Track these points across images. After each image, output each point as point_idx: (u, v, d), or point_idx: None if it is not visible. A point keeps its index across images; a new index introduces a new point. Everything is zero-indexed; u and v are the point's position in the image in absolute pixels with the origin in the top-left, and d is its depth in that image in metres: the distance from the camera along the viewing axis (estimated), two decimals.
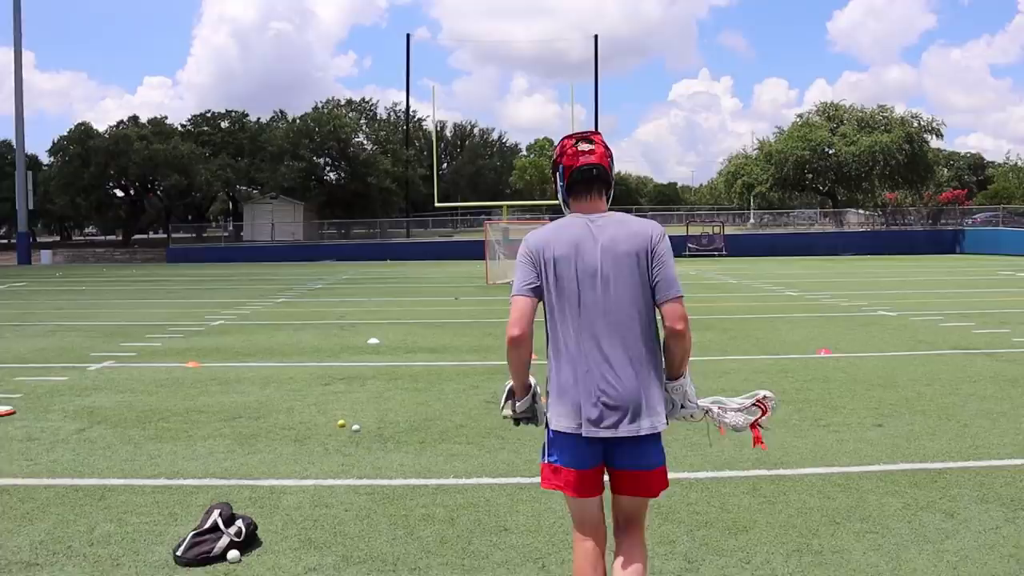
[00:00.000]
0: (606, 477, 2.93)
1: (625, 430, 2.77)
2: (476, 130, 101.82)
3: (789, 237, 48.22)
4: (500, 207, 47.53)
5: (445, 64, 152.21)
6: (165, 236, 56.02)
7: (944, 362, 9.60)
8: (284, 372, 9.31)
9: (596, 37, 60.24)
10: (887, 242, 45.82)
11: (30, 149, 55.15)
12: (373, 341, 11.64)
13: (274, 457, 5.80)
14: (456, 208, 62.97)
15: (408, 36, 60.32)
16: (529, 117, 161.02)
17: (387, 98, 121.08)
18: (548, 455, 2.91)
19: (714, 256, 42.95)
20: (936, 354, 10.20)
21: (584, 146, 2.93)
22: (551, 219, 31.23)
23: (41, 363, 10.25)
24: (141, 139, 51.04)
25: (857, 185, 55.32)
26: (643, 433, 2.79)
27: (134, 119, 56.81)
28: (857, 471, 5.40)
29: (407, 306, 17.45)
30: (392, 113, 69.72)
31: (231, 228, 56.51)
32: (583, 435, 2.78)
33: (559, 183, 3.01)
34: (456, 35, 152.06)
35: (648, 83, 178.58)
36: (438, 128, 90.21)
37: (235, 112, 62.92)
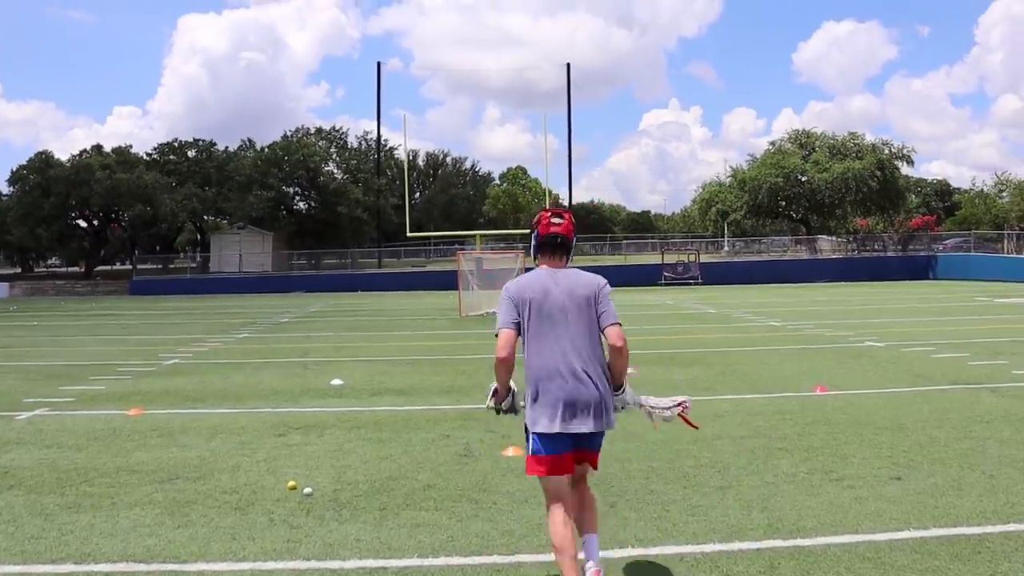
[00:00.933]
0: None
1: (589, 427, 3.80)
2: (449, 159, 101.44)
3: (764, 264, 47.96)
4: (473, 236, 46.79)
5: (418, 94, 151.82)
6: (130, 268, 54.64)
7: (949, 399, 8.94)
8: (236, 420, 8.44)
9: (568, 66, 60.14)
10: (861, 268, 45.66)
11: (6, 183, 53.86)
12: (336, 382, 10.80)
13: (208, 531, 4.96)
14: (429, 238, 62.22)
15: (379, 64, 59.90)
16: (502, 147, 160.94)
17: (360, 128, 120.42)
18: (532, 450, 3.90)
19: (690, 284, 42.48)
20: (938, 390, 9.54)
21: (555, 220, 4.06)
22: (522, 249, 30.65)
23: None
24: (104, 168, 49.79)
25: (830, 212, 55.33)
26: (601, 430, 3.89)
27: (98, 148, 55.48)
28: (885, 539, 4.66)
29: (375, 341, 16.61)
30: (363, 142, 69.03)
31: (199, 259, 55.24)
32: (560, 432, 3.77)
33: (533, 242, 4.11)
34: (428, 65, 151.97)
35: (619, 113, 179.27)
36: (410, 157, 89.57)
37: (202, 141, 61.81)
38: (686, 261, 45.76)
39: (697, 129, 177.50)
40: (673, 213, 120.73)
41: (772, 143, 59.06)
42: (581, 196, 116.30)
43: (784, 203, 54.81)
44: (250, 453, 6.98)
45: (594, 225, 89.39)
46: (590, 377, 3.81)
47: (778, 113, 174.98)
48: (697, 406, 8.80)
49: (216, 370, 12.41)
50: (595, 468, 4.09)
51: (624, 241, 65.51)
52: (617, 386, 4.00)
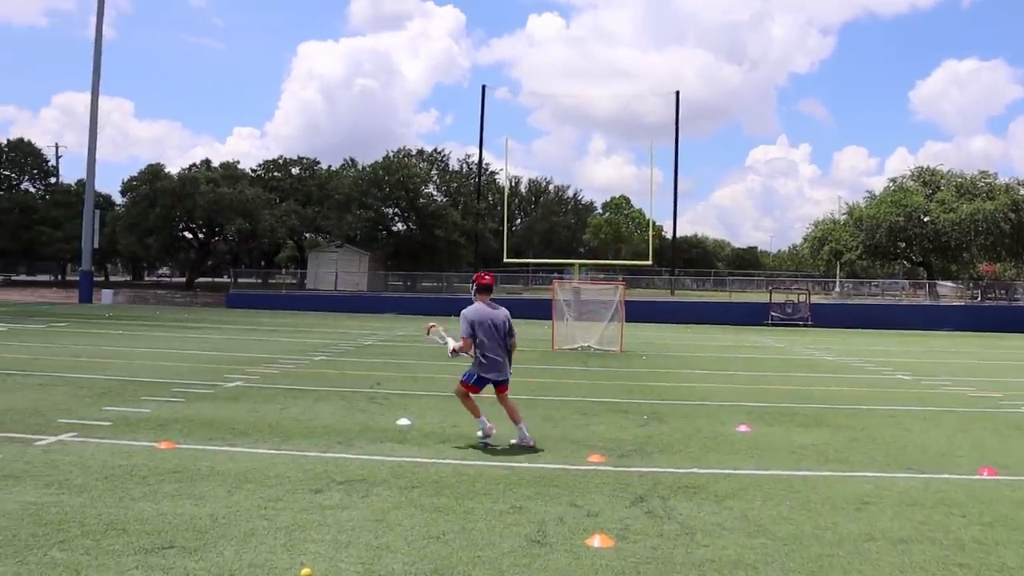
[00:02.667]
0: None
1: (502, 378, 8.35)
2: (551, 186, 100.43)
3: (879, 308, 44.75)
4: (572, 265, 45.36)
5: (524, 123, 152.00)
6: (230, 281, 55.22)
7: None
8: (273, 465, 7.12)
9: (677, 94, 58.31)
10: (987, 318, 41.92)
11: (119, 193, 55.60)
12: (402, 422, 9.43)
13: None
14: (527, 264, 61.02)
15: (483, 87, 59.31)
16: (606, 177, 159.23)
17: (463, 154, 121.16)
18: (473, 383, 8.36)
19: (799, 326, 39.82)
20: None
21: (487, 277, 8.65)
22: (623, 280, 29.04)
23: None
24: (209, 182, 50.50)
25: (955, 255, 51.46)
26: (504, 378, 8.39)
27: (206, 162, 56.64)
28: None
29: (456, 372, 15.16)
30: (465, 165, 68.48)
31: (296, 276, 55.41)
32: (490, 379, 8.27)
33: (473, 289, 8.54)
34: (536, 96, 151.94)
35: (725, 147, 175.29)
36: (512, 183, 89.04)
37: (306, 159, 62.46)
38: (795, 301, 43.06)
39: (806, 167, 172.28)
40: (779, 251, 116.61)
41: (893, 180, 55.48)
42: (684, 229, 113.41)
43: (904, 244, 51.27)
44: (273, 515, 5.61)
45: (697, 259, 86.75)
46: (504, 358, 8.35)
47: (892, 152, 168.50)
48: (831, 485, 7.10)
49: (276, 397, 11.22)
50: (503, 393, 8.48)
51: (729, 277, 62.82)
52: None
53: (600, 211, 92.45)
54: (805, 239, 58.26)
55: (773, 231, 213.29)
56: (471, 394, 8.34)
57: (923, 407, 12.15)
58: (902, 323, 40.33)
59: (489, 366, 8.20)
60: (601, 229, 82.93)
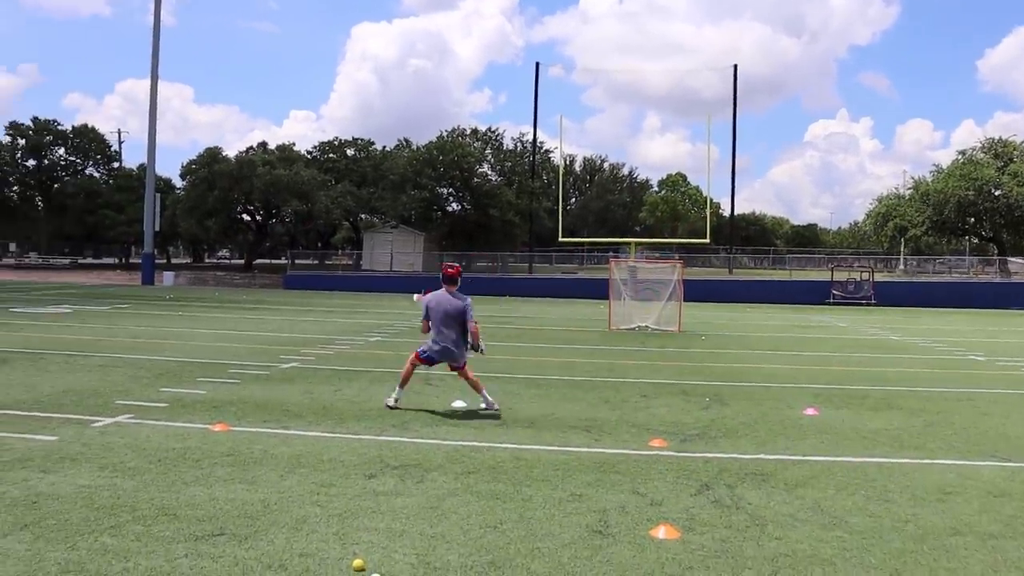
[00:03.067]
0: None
1: (452, 363, 9.00)
2: (606, 165, 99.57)
3: (945, 286, 43.26)
4: (628, 244, 44.78)
5: (578, 101, 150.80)
6: (287, 262, 55.83)
7: None
8: (327, 449, 7.00)
9: (735, 67, 56.91)
10: None
11: (179, 177, 56.74)
12: (457, 404, 9.24)
13: None
14: (582, 244, 60.60)
15: (537, 64, 58.74)
16: (661, 155, 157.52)
17: (518, 133, 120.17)
18: (423, 357, 8.98)
19: (861, 304, 38.72)
20: None
21: (450, 268, 9.16)
22: (680, 259, 28.49)
23: (49, 411, 8.36)
24: (265, 164, 50.99)
25: None
26: (454, 359, 8.93)
27: (263, 145, 57.23)
28: None
29: (512, 353, 15.02)
30: (519, 144, 68.10)
31: (352, 257, 55.81)
32: (437, 360, 9.01)
33: (442, 275, 9.07)
34: (589, 73, 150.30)
35: (783, 123, 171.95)
36: (567, 162, 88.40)
37: (361, 140, 62.71)
38: (858, 279, 41.86)
39: (867, 141, 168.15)
40: (840, 227, 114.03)
41: (962, 152, 53.53)
42: (741, 207, 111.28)
43: (973, 219, 49.56)
44: (325, 501, 5.47)
45: (755, 237, 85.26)
46: (453, 346, 8.84)
47: (958, 125, 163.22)
48: (908, 472, 6.71)
49: (331, 379, 11.15)
50: (461, 371, 9.00)
51: (788, 255, 61.56)
52: (475, 346, 8.95)
53: (656, 189, 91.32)
54: (868, 215, 56.81)
55: (833, 208, 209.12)
56: (415, 364, 9.07)
57: (1000, 389, 11.58)
58: (970, 301, 38.93)
59: (438, 350, 8.87)
60: (657, 207, 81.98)
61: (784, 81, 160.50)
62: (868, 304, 38.93)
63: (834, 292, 39.99)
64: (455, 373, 9.21)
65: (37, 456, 6.52)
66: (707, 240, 32.39)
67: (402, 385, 9.08)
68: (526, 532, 4.94)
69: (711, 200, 42.17)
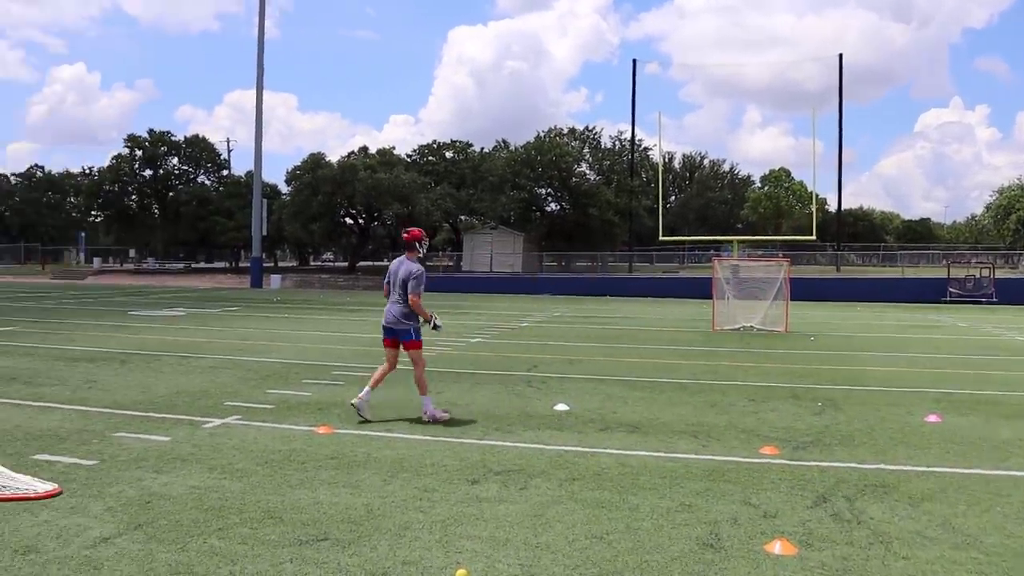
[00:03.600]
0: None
1: (386, 326, 8.60)
2: (706, 161, 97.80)
3: None
4: (730, 242, 43.77)
5: (676, 98, 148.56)
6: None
7: None
8: (429, 452, 6.96)
9: (840, 56, 54.89)
10: None
11: (284, 182, 58.68)
12: (561, 408, 9.10)
13: None
14: (682, 242, 59.59)
15: (634, 61, 58.27)
16: (762, 150, 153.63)
17: (615, 132, 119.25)
18: (418, 335, 8.57)
19: (981, 303, 36.77)
20: None
21: (405, 233, 8.66)
22: (783, 256, 27.60)
23: (163, 411, 8.61)
24: (367, 168, 52.01)
25: None
26: (395, 331, 8.53)
27: (364, 150, 58.42)
28: None
29: (614, 355, 14.79)
30: (617, 142, 67.52)
31: (452, 258, 56.39)
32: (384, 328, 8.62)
33: (419, 245, 8.59)
34: (687, 69, 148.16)
35: (891, 114, 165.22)
36: (666, 159, 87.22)
37: (459, 142, 63.28)
38: (977, 276, 39.80)
39: (983, 130, 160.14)
40: (955, 222, 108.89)
41: None
42: (848, 202, 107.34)
43: None
44: (428, 507, 5.40)
45: (863, 233, 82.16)
46: (395, 310, 8.50)
47: None
48: None
49: (433, 380, 11.07)
50: (408, 350, 8.57)
51: (899, 251, 59.07)
52: (425, 319, 8.54)
53: (758, 185, 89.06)
54: (987, 208, 54.00)
55: (946, 201, 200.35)
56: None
57: None
58: None
59: (385, 321, 8.60)
60: (760, 203, 79.91)
61: (892, 69, 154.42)
62: (989, 302, 36.94)
63: (951, 290, 38.13)
64: (557, 376, 9.05)
65: (151, 456, 6.69)
66: (813, 237, 31.32)
67: (372, 385, 8.45)
68: (633, 544, 4.76)
69: (816, 195, 40.79)
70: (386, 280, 8.61)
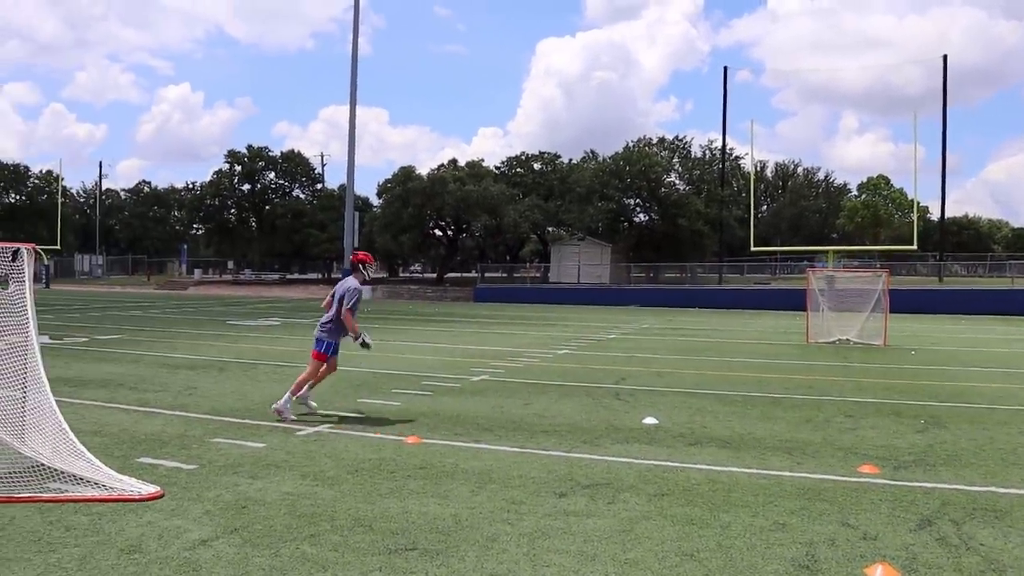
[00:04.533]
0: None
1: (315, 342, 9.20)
2: (800, 169, 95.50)
3: None
4: (825, 252, 42.57)
5: (768, 105, 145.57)
6: (477, 275, 57.33)
7: None
8: (516, 464, 6.94)
9: (945, 58, 52.93)
10: None
11: (375, 195, 60.07)
12: (649, 421, 8.97)
13: None
14: (775, 253, 58.22)
15: (725, 69, 57.26)
16: (859, 157, 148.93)
17: (705, 141, 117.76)
18: (327, 350, 9.04)
19: None
20: None
21: (352, 256, 9.51)
22: (881, 266, 26.59)
23: (259, 419, 8.84)
24: (456, 180, 52.61)
25: None
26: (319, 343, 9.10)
27: (453, 162, 59.13)
28: None
29: (705, 368, 14.53)
30: (707, 151, 66.56)
31: (540, 269, 56.51)
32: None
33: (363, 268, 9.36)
34: (780, 75, 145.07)
35: (999, 116, 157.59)
36: (758, 168, 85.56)
37: (548, 154, 63.42)
38: None
39: None
40: None
41: None
42: (951, 210, 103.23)
43: None
44: (516, 519, 5.38)
45: (968, 243, 78.80)
46: (321, 322, 9.13)
47: None
48: None
49: (520, 391, 11.17)
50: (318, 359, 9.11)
51: (1009, 261, 56.41)
52: (355, 335, 9.06)
53: (855, 193, 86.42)
54: None
55: None
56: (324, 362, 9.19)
57: None
58: None
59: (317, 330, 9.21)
60: (857, 212, 77.48)
61: (1002, 69, 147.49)
62: None
63: None
64: (646, 389, 8.93)
65: (247, 462, 6.87)
66: (913, 247, 30.10)
67: (311, 387, 9.29)
68: (725, 563, 4.63)
69: (917, 203, 39.29)
70: (331, 295, 9.32)
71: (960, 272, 64.35)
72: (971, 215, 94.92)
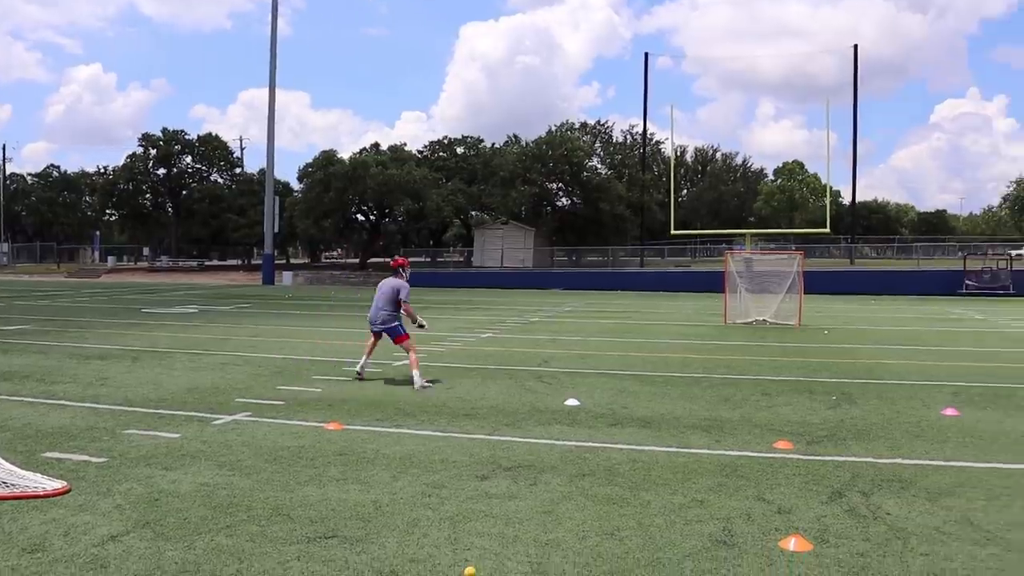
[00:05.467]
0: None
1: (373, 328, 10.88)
2: (718, 154, 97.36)
3: None
4: (743, 235, 43.53)
5: (689, 91, 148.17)
6: None
7: None
8: (439, 448, 6.90)
9: (856, 47, 54.48)
10: None
11: (297, 180, 58.96)
12: (571, 403, 9.02)
13: None
14: (694, 236, 59.27)
15: (647, 55, 57.78)
16: (776, 143, 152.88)
17: (627, 126, 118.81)
18: (402, 330, 10.74)
19: (998, 295, 36.46)
20: None
21: (392, 262, 11.14)
22: (797, 249, 27.38)
23: (174, 408, 8.59)
24: (378, 164, 52.00)
25: None
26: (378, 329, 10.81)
27: (375, 146, 58.45)
28: None
29: (626, 349, 14.72)
30: (628, 136, 67.27)
31: (463, 254, 56.39)
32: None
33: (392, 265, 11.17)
34: (700, 62, 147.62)
35: (906, 105, 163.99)
36: (678, 153, 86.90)
37: (471, 138, 63.24)
38: (994, 268, 39.45)
39: (1001, 121, 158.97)
40: (971, 214, 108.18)
41: None
42: (862, 195, 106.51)
43: None
44: (437, 504, 5.35)
45: (878, 226, 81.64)
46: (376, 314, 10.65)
47: None
48: None
49: (444, 376, 11.12)
50: (395, 343, 10.72)
51: (914, 243, 58.65)
52: (419, 324, 10.82)
53: (771, 178, 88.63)
54: (1004, 199, 53.53)
55: (963, 193, 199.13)
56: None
57: None
58: None
59: (375, 320, 10.74)
60: (773, 197, 79.59)
61: (909, 61, 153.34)
62: (1006, 294, 36.65)
63: (968, 282, 37.83)
64: (568, 371, 8.98)
65: (161, 453, 6.67)
66: (827, 230, 31.07)
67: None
68: (645, 540, 4.68)
69: (830, 188, 40.47)
70: (379, 294, 10.87)
71: (870, 254, 66.60)
72: (880, 199, 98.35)
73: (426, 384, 10.16)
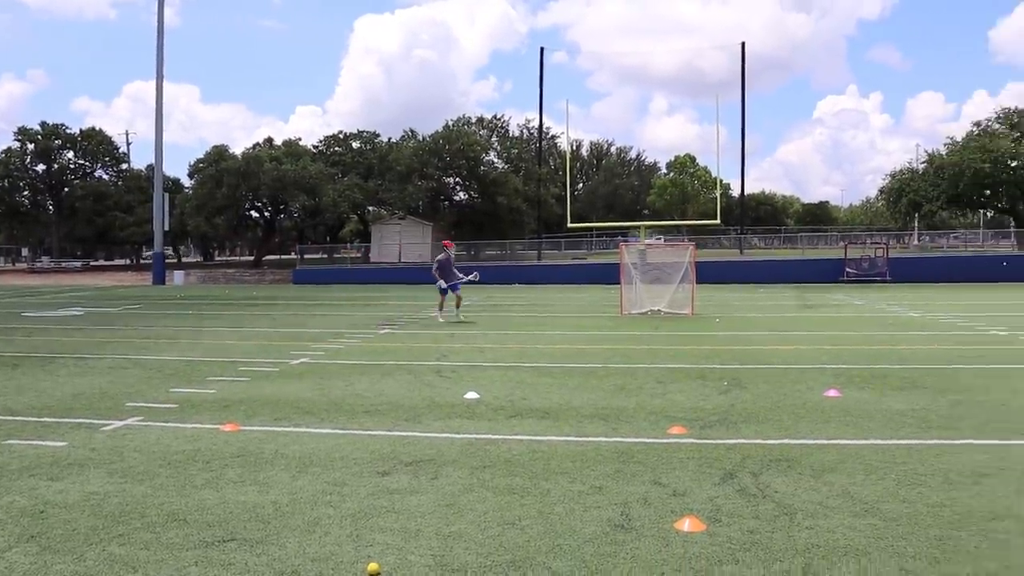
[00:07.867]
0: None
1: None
2: (613, 148, 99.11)
3: (961, 261, 42.78)
4: (637, 227, 44.45)
5: (583, 86, 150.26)
6: (296, 257, 55.76)
7: None
8: (338, 446, 6.85)
9: (743, 45, 56.35)
10: None
11: (188, 176, 56.97)
12: (470, 396, 9.07)
13: None
14: (591, 229, 60.19)
15: (542, 49, 58.40)
16: (668, 138, 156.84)
17: (523, 120, 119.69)
18: (443, 291, 19.38)
19: (876, 282, 38.38)
20: None
21: (446, 242, 21.35)
22: (689, 240, 28.15)
23: (59, 416, 8.24)
24: (272, 160, 50.87)
25: None
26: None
27: (268, 141, 57.15)
28: None
29: (524, 342, 14.86)
30: (525, 131, 67.73)
31: (360, 250, 55.72)
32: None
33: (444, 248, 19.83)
34: (594, 57, 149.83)
35: (791, 101, 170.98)
36: (574, 147, 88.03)
37: (366, 133, 62.48)
38: (872, 256, 41.51)
39: (877, 116, 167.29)
40: (851, 205, 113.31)
41: (976, 124, 52.79)
42: (751, 187, 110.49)
43: (988, 192, 48.92)
44: (338, 502, 5.31)
45: (766, 217, 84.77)
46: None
47: (969, 97, 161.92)
48: (940, 455, 6.50)
49: (342, 373, 11.01)
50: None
51: (799, 233, 61.09)
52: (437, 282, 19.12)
53: (664, 171, 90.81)
54: (880, 191, 56.25)
55: (843, 185, 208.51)
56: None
57: None
58: (987, 276, 38.52)
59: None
60: (666, 190, 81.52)
61: (793, 58, 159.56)
62: (883, 281, 38.59)
63: (848, 270, 39.66)
64: (467, 365, 9.04)
65: (45, 463, 6.39)
66: (717, 221, 32.02)
67: (441, 308, 18.58)
68: (546, 528, 4.78)
69: (720, 181, 41.82)
70: (437, 269, 18.86)
71: (759, 244, 69.03)
72: (768, 191, 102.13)
73: (441, 319, 16.34)
